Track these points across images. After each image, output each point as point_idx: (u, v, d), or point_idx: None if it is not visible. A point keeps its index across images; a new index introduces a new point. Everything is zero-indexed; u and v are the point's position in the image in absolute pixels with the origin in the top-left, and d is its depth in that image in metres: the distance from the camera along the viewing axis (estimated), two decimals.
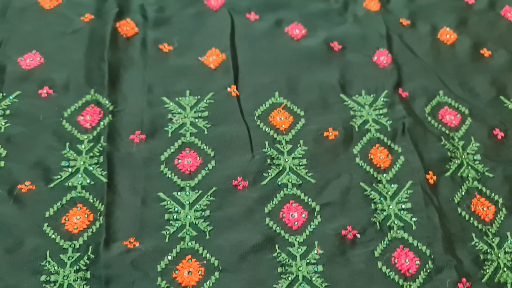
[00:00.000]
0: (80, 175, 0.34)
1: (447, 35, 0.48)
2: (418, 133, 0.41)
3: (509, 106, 0.44)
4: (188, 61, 0.42)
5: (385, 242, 0.33)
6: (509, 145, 0.42)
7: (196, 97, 0.40)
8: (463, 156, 0.40)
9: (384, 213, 0.35)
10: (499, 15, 0.51)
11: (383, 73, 0.43)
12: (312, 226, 0.35)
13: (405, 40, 0.47)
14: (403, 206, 0.35)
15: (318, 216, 0.36)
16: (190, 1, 0.47)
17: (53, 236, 0.31)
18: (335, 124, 0.41)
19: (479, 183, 0.38)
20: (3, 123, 0.37)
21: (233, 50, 0.43)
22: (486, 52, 0.48)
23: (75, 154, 0.36)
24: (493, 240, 0.34)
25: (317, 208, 0.35)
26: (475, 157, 0.41)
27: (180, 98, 0.40)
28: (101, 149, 0.36)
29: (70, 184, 0.34)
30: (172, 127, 0.38)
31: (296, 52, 0.44)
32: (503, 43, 0.50)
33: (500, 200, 0.38)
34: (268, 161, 0.39)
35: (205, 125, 0.39)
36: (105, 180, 0.34)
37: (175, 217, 0.34)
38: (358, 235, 0.34)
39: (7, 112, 0.38)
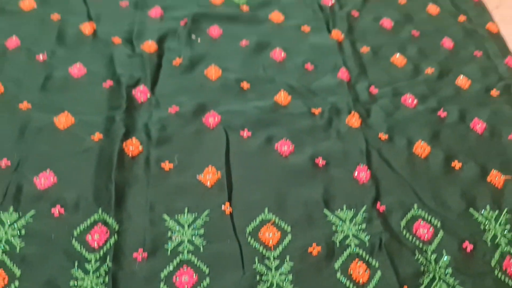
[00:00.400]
0: None
1: (421, 148, 0.53)
2: (394, 248, 0.45)
3: (478, 219, 0.49)
4: (187, 179, 0.47)
5: None
6: (478, 258, 0.46)
7: (194, 215, 0.45)
8: (436, 270, 0.44)
9: None
10: (468, 127, 0.55)
11: (363, 189, 0.48)
12: None
13: (383, 155, 0.52)
14: None
15: None
16: (190, 119, 0.52)
17: None
18: (318, 239, 0.45)
19: None
20: (18, 243, 0.41)
21: (227, 167, 0.48)
22: (457, 164, 0.52)
23: (83, 274, 0.40)
24: None
25: None
26: (446, 271, 0.44)
27: (179, 216, 0.45)
28: (107, 269, 0.40)
29: None
30: (171, 245, 0.43)
31: (284, 169, 0.49)
32: (472, 155, 0.54)
33: None
34: (258, 277, 0.43)
35: (201, 243, 0.43)
36: None
37: None
38: None
39: (23, 232, 0.42)
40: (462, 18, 0.69)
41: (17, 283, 0.39)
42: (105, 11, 0.64)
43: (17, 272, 0.39)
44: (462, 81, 0.61)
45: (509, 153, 0.55)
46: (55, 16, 0.62)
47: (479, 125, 0.57)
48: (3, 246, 0.41)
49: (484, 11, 0.71)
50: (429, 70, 0.61)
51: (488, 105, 0.59)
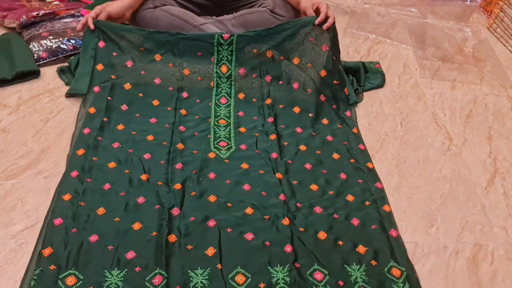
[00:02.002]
0: None
1: (322, 235, 0.94)
2: (302, 284, 0.87)
3: (348, 270, 0.85)
4: (199, 253, 0.85)
5: None
6: (347, 287, 0.88)
7: (203, 270, 0.84)
8: None
9: None
10: (350, 223, 0.94)
11: (288, 256, 0.86)
12: None
13: (300, 239, 0.93)
14: None
15: None
16: (200, 223, 0.91)
17: None
18: (263, 281, 0.87)
19: None
20: (120, 284, 0.82)
21: (219, 247, 0.86)
22: (340, 242, 0.93)
23: None
24: None
25: None
26: None
27: (195, 270, 0.82)
28: None
29: None
30: (191, 284, 0.86)
31: (248, 248, 0.87)
32: (349, 237, 0.91)
33: None
34: None
35: (207, 283, 0.84)
36: None
37: None
38: None
39: (122, 279, 0.84)
40: (352, 160, 1.12)
41: None
42: (152, 167, 1.06)
43: None
44: (349, 197, 1.03)
45: (370, 236, 0.92)
46: (126, 171, 1.07)
47: (356, 221, 0.96)
48: (114, 285, 0.79)
49: (366, 156, 1.13)
50: (331, 192, 1.04)
51: (362, 210, 0.99)
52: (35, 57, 1.40)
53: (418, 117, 1.30)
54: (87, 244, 0.89)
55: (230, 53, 1.26)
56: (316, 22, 1.23)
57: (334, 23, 1.21)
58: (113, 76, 1.25)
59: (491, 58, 1.61)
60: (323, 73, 1.32)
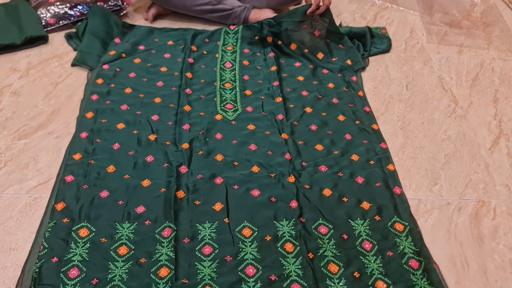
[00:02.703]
0: None
1: (327, 192, 0.94)
2: (307, 237, 0.84)
3: (352, 224, 0.91)
4: (207, 208, 0.88)
5: None
6: (349, 241, 0.87)
7: (211, 223, 0.88)
8: (327, 246, 0.87)
9: None
10: (354, 181, 0.96)
11: (294, 211, 0.89)
12: None
13: (306, 195, 0.95)
14: None
15: None
16: (208, 181, 0.94)
17: None
18: (270, 233, 0.86)
19: None
20: (132, 236, 0.83)
21: (226, 203, 0.89)
22: (345, 199, 0.97)
23: (160, 247, 0.85)
24: None
25: None
26: (332, 246, 0.86)
27: (203, 224, 0.84)
28: (172, 245, 0.84)
29: None
30: (199, 237, 0.88)
31: (254, 203, 0.90)
32: (354, 194, 0.93)
33: None
34: (240, 250, 0.88)
35: (214, 235, 0.87)
36: None
37: None
38: None
39: (133, 231, 0.85)
40: (357, 122, 1.13)
41: (133, 251, 0.83)
42: (160, 128, 1.09)
43: (132, 247, 0.82)
44: (354, 157, 1.05)
45: (374, 192, 0.94)
46: (135, 132, 1.10)
47: (360, 180, 0.99)
48: (125, 237, 0.85)
49: (371, 117, 1.14)
50: (336, 152, 1.07)
51: (367, 169, 1.01)
52: (43, 23, 1.41)
53: (424, 81, 1.30)
54: (98, 199, 0.91)
55: (235, 40, 1.41)
56: (308, 12, 1.34)
57: (328, 9, 1.34)
58: (123, 55, 1.32)
59: (499, 23, 1.60)
60: (320, 55, 1.39)
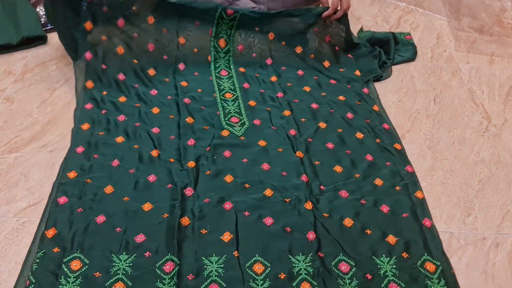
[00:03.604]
0: None
1: (348, 222, 0.85)
2: (326, 275, 0.74)
3: (377, 262, 0.80)
4: (214, 238, 0.80)
5: None
6: (374, 282, 0.73)
7: (218, 257, 0.79)
8: None
9: None
10: (379, 210, 0.87)
11: (311, 244, 0.79)
12: None
13: (324, 225, 0.84)
14: None
15: None
16: (215, 205, 0.85)
17: None
18: (284, 270, 0.75)
19: None
20: (129, 270, 0.73)
21: (236, 232, 0.81)
22: (368, 231, 0.86)
23: (161, 285, 0.76)
24: None
25: None
26: None
27: (210, 257, 0.77)
28: (174, 283, 0.74)
29: None
30: (205, 273, 0.78)
31: (268, 233, 0.81)
32: (378, 226, 0.84)
33: None
34: None
35: (222, 271, 0.76)
36: None
37: None
38: None
39: (131, 264, 0.74)
40: (378, 140, 1.03)
41: None
42: (162, 142, 0.99)
43: (129, 283, 0.73)
44: (377, 181, 0.94)
45: (400, 224, 0.85)
46: (136, 146, 0.98)
47: (385, 208, 0.88)
48: (122, 271, 0.75)
49: (392, 136, 1.04)
50: (357, 175, 0.95)
51: (392, 196, 0.91)
52: (42, 22, 1.31)
53: (453, 94, 1.19)
54: (94, 225, 0.82)
55: (230, 27, 1.20)
56: (324, 15, 1.20)
57: (345, 14, 1.20)
58: (104, 38, 1.13)
59: None
60: (326, 63, 1.28)
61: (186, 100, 1.12)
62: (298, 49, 1.28)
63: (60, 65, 1.22)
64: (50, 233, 0.80)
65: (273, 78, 1.22)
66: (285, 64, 1.27)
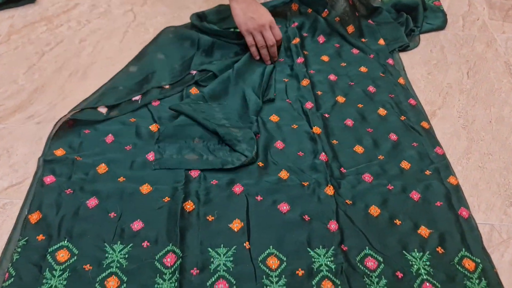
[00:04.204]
0: None
1: (374, 210, 0.74)
2: (350, 272, 0.63)
3: (408, 257, 0.69)
4: (222, 226, 0.70)
5: None
6: (405, 281, 0.64)
7: (227, 248, 0.69)
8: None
9: None
10: (408, 196, 0.77)
11: (333, 235, 0.70)
12: None
13: (347, 214, 0.74)
14: None
15: None
16: (223, 188, 0.75)
17: None
18: (302, 266, 0.65)
19: None
20: (124, 262, 0.64)
21: (247, 220, 0.71)
22: (397, 221, 0.75)
23: (162, 281, 0.65)
24: None
25: None
26: None
27: (217, 249, 0.68)
28: (176, 278, 0.64)
29: None
30: (213, 266, 0.68)
31: (283, 222, 0.71)
32: (408, 215, 0.74)
33: None
34: (264, 287, 0.68)
35: (231, 265, 0.66)
36: None
37: None
38: None
39: (126, 256, 0.64)
40: (403, 117, 0.91)
41: (125, 285, 0.64)
42: (163, 116, 0.88)
43: (125, 278, 0.64)
44: (404, 164, 0.82)
45: (434, 214, 0.75)
46: (132, 119, 0.86)
47: (416, 195, 0.77)
48: (116, 264, 0.65)
49: (419, 113, 0.92)
50: (381, 157, 0.83)
51: (423, 181, 0.80)
52: None
53: (488, 67, 1.07)
54: (85, 209, 0.72)
55: None
56: None
57: None
58: None
59: None
60: (350, 28, 1.15)
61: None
62: (325, 13, 1.16)
63: (50, 27, 1.09)
64: (34, 217, 0.70)
65: (295, 40, 1.10)
66: (307, 28, 1.15)
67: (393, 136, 0.89)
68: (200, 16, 1.13)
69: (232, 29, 1.11)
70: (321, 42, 1.12)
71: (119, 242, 0.66)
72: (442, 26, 1.20)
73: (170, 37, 1.06)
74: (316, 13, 1.16)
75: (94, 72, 0.98)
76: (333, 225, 0.71)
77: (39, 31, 1.08)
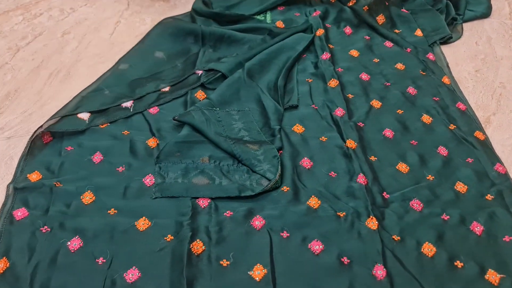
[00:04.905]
0: None
1: (428, 248, 0.61)
2: None
3: None
4: (241, 275, 0.57)
5: None
6: None
7: None
8: None
9: None
10: (468, 229, 0.64)
11: (380, 285, 0.56)
12: None
13: (396, 254, 0.60)
14: None
15: None
16: (240, 222, 0.62)
17: None
18: None
19: None
20: None
21: (272, 265, 0.58)
22: (459, 263, 0.60)
23: None
24: None
25: None
26: None
27: None
28: None
29: None
30: None
31: (316, 266, 0.58)
32: (472, 255, 0.60)
33: None
34: None
35: None
36: None
37: None
38: None
39: None
40: (452, 126, 0.77)
41: None
42: (163, 127, 0.74)
43: None
44: (459, 187, 0.68)
45: (502, 252, 0.61)
46: (126, 132, 0.72)
47: (478, 228, 0.63)
48: None
49: (471, 120, 0.78)
50: (430, 177, 0.69)
51: (484, 209, 0.65)
52: None
53: None
54: (65, 253, 0.58)
55: None
56: None
57: None
58: None
59: None
60: (381, 18, 1.00)
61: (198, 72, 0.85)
62: (351, 1, 1.02)
63: (27, 16, 0.94)
64: (1, 266, 0.55)
65: (319, 32, 0.96)
66: (330, 18, 1.01)
67: (443, 150, 0.75)
68: (205, 3, 0.96)
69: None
70: (348, 33, 0.96)
71: None
72: (486, 14, 1.04)
73: (169, 31, 0.90)
74: (340, 2, 1.00)
75: (79, 72, 0.83)
76: (379, 271, 0.59)
77: (13, 21, 0.93)
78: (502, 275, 0.59)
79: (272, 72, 0.83)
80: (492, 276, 0.59)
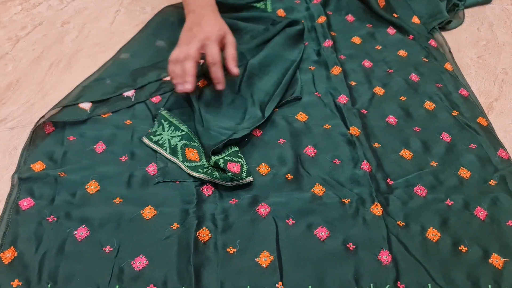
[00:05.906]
0: None
1: (433, 234, 0.61)
2: None
3: None
4: (247, 262, 0.56)
5: None
6: None
7: None
8: None
9: None
10: (472, 214, 0.64)
11: (386, 270, 0.57)
12: None
13: (401, 240, 0.60)
14: None
15: None
16: (245, 210, 0.62)
17: None
18: None
19: None
20: None
21: (278, 252, 0.58)
22: (463, 248, 0.60)
23: None
24: None
25: None
26: None
27: None
28: None
29: None
30: None
31: (322, 252, 0.58)
32: (476, 240, 0.61)
33: None
34: None
35: None
36: None
37: None
38: None
39: None
40: (455, 112, 0.77)
41: None
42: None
43: None
44: (463, 172, 0.68)
45: (507, 237, 0.61)
46: (128, 121, 0.71)
47: (482, 213, 0.63)
48: None
49: (474, 106, 0.78)
50: (433, 163, 0.69)
51: (488, 194, 0.66)
52: None
53: None
54: (72, 242, 0.57)
55: None
56: None
57: None
58: None
59: None
60: (382, 2, 0.98)
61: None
62: None
63: (26, 6, 0.92)
64: (8, 256, 0.55)
65: (321, 19, 0.94)
66: (332, 4, 0.99)
67: (446, 137, 0.74)
68: None
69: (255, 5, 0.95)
70: (350, 21, 0.95)
71: (117, 286, 0.53)
72: None
73: (171, 20, 0.89)
74: None
75: (80, 62, 0.82)
76: (385, 256, 0.58)
77: (12, 11, 0.91)
78: (505, 259, 0.59)
79: (273, 74, 0.80)
80: (496, 260, 0.59)
